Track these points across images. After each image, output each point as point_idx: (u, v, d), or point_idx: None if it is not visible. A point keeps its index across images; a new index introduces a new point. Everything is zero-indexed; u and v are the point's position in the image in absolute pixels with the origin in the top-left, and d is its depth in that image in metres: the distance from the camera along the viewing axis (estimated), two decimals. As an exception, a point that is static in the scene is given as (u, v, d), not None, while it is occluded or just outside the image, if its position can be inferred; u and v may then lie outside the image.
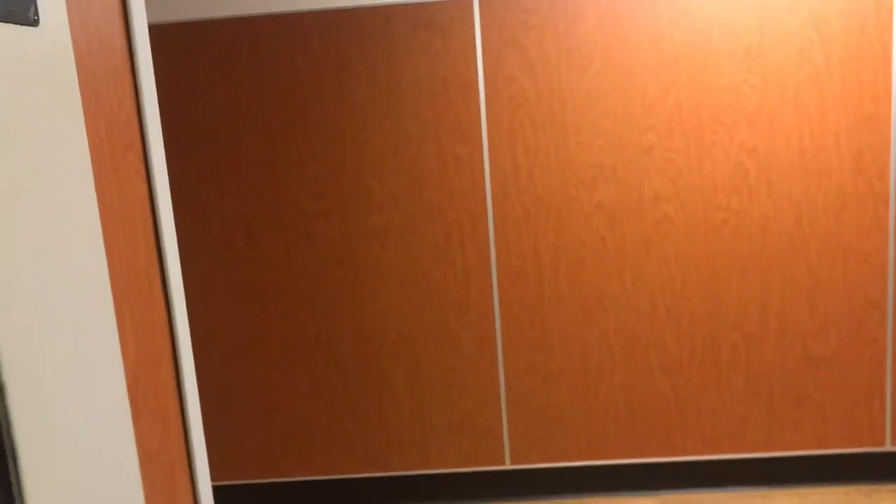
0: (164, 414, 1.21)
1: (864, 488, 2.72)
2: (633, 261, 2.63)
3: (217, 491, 2.77)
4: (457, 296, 2.68)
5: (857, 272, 2.61)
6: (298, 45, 2.56)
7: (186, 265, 2.71)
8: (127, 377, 1.09)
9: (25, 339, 0.81)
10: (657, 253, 2.62)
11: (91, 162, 1.02)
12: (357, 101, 2.58)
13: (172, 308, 1.26)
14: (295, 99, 2.59)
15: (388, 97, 2.58)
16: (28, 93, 0.86)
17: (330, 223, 2.65)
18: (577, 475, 2.77)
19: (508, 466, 2.78)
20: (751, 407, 2.71)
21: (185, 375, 1.27)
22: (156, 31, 2.55)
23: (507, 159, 2.60)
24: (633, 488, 2.78)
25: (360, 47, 2.55)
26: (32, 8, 0.86)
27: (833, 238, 2.59)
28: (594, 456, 2.77)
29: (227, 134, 2.62)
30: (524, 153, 2.59)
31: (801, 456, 2.74)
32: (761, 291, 2.63)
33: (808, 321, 2.65)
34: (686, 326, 2.66)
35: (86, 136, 0.99)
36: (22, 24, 0.84)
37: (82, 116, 0.99)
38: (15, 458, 0.78)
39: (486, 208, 2.63)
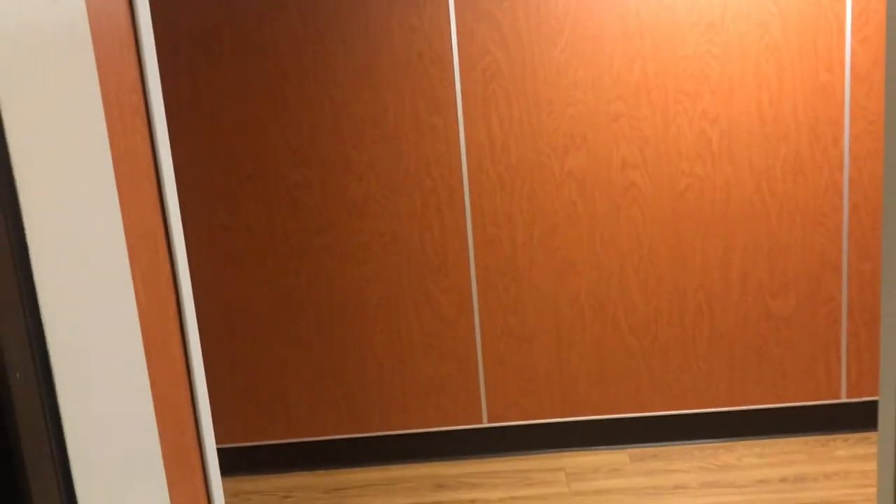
0: (172, 359, 1.31)
1: (821, 438, 2.88)
2: (602, 226, 2.75)
3: (205, 454, 2.86)
4: (435, 262, 2.78)
5: (814, 234, 2.76)
6: (277, 18, 2.63)
7: (171, 236, 2.77)
8: (141, 324, 1.18)
9: (59, 289, 0.90)
10: (626, 218, 2.75)
11: (105, 125, 1.10)
12: (335, 74, 2.66)
13: (176, 263, 1.35)
14: (274, 71, 2.66)
15: (365, 69, 2.66)
16: (51, 60, 0.94)
17: (311, 192, 2.73)
18: (551, 431, 2.91)
19: (486, 424, 2.91)
20: (714, 363, 2.86)
21: (188, 325, 1.37)
22: (137, 6, 2.60)
23: (482, 129, 2.69)
24: (605, 443, 2.92)
25: (337, 21, 2.63)
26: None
27: (791, 202, 2.73)
28: (567, 413, 2.90)
29: (209, 106, 2.68)
30: (498, 123, 2.69)
31: (761, 409, 2.89)
32: (724, 253, 2.77)
33: (768, 281, 2.79)
34: (653, 288, 2.80)
35: (101, 100, 1.07)
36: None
37: (98, 82, 1.07)
38: (54, 396, 0.88)
39: (461, 177, 2.73)
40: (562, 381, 2.87)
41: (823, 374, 2.87)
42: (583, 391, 2.88)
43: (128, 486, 1.06)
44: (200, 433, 1.39)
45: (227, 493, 2.79)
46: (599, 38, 2.63)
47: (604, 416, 2.90)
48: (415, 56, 2.65)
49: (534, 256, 2.78)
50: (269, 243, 2.77)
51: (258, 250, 2.77)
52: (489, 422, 2.91)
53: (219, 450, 2.90)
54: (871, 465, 2.68)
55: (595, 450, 2.91)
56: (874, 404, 2.85)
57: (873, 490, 2.55)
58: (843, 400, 2.89)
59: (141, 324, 1.17)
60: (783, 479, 2.64)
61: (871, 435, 2.85)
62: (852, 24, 2.60)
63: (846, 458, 2.74)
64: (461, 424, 2.91)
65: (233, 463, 2.90)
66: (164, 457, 1.23)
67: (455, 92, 2.67)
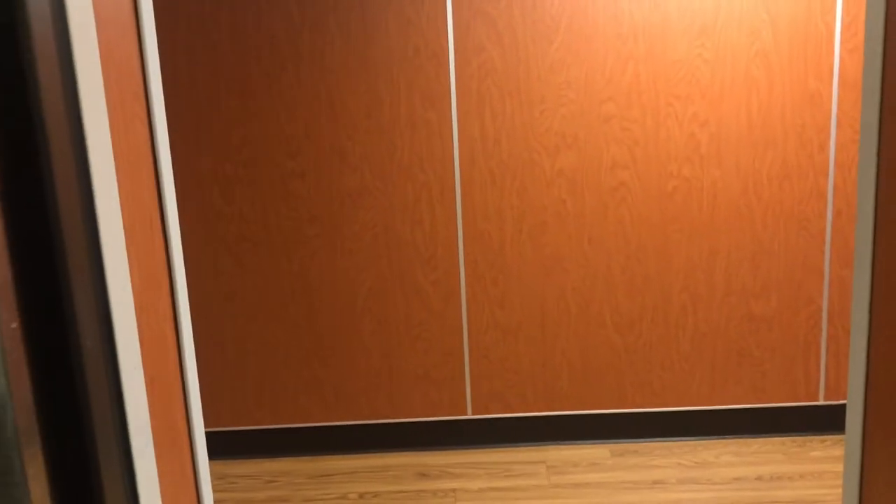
0: (164, 341, 1.34)
1: (798, 439, 2.94)
2: (591, 224, 2.79)
3: (191, 437, 2.89)
4: (425, 254, 2.82)
5: (798, 238, 2.80)
6: (275, 8, 2.65)
7: (164, 220, 2.80)
8: (135, 306, 1.22)
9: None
10: (614, 217, 2.79)
11: (106, 107, 1.14)
12: (332, 65, 2.69)
13: (170, 248, 1.38)
14: (271, 61, 2.69)
15: (362, 61, 2.69)
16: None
17: (305, 182, 2.77)
18: (533, 424, 2.95)
19: (470, 416, 2.95)
20: (696, 363, 2.91)
21: (181, 308, 1.40)
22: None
23: (475, 125, 2.73)
24: (587, 437, 2.96)
25: (335, 12, 2.65)
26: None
27: (776, 206, 2.78)
28: (550, 407, 2.94)
29: (207, 93, 2.71)
30: (491, 120, 2.73)
31: (741, 409, 2.95)
32: (709, 255, 2.82)
33: (752, 283, 2.84)
34: (639, 286, 2.84)
35: (103, 83, 1.11)
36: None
37: (100, 65, 1.10)
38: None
39: (454, 172, 2.76)
40: (546, 376, 2.92)
41: (802, 377, 2.92)
42: (566, 386, 2.93)
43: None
44: (189, 415, 1.43)
45: (214, 476, 2.83)
46: (593, 39, 2.66)
47: (586, 411, 2.95)
48: (411, 50, 2.68)
49: (522, 252, 2.82)
50: (263, 230, 2.80)
51: (251, 237, 2.81)
52: (473, 413, 2.95)
53: (206, 433, 2.94)
54: (846, 467, 2.73)
55: (577, 444, 2.96)
56: (851, 407, 2.89)
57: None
58: (821, 402, 2.94)
59: (135, 305, 1.20)
60: (759, 478, 2.69)
61: (847, 437, 2.91)
62: (841, 35, 2.65)
63: (821, 458, 2.80)
64: (446, 415, 2.95)
65: (219, 446, 2.94)
66: (154, 437, 1.27)
67: (450, 87, 2.71)
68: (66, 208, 0.96)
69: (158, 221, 1.35)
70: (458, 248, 2.81)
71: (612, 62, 2.68)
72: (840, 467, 2.73)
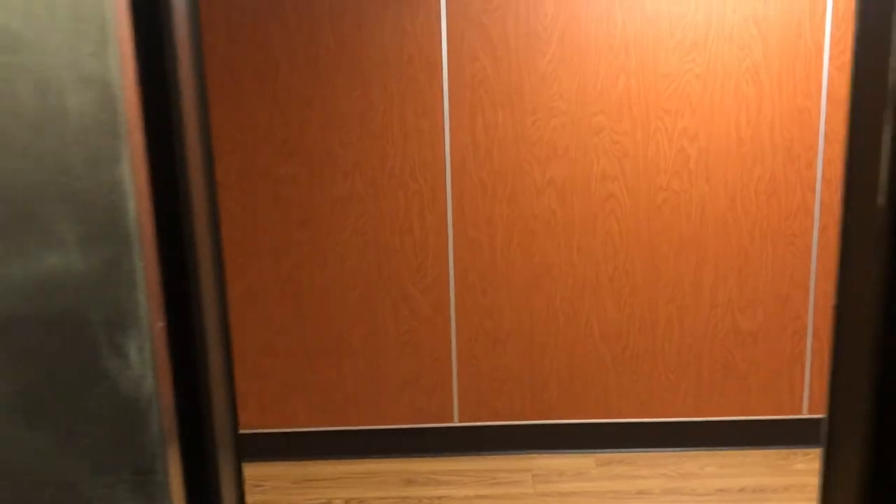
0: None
1: (782, 451, 2.96)
2: (580, 234, 2.81)
3: (178, 440, 2.89)
4: (415, 262, 2.83)
5: (785, 253, 2.83)
6: (271, 12, 2.67)
7: (155, 223, 2.80)
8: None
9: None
10: (603, 228, 2.81)
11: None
12: (326, 70, 2.70)
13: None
14: (266, 64, 2.70)
15: (355, 68, 2.70)
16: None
17: (297, 187, 2.77)
18: (520, 433, 2.96)
19: (457, 423, 2.96)
20: (682, 374, 2.93)
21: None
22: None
23: (467, 135, 2.75)
24: (572, 447, 2.98)
25: (331, 18, 2.67)
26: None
27: (763, 221, 2.81)
28: (537, 416, 2.96)
29: (200, 98, 2.71)
30: (483, 129, 2.75)
31: (725, 421, 2.97)
32: (696, 268, 2.84)
33: (738, 297, 2.87)
34: (626, 297, 2.86)
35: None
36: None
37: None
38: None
39: (445, 180, 2.78)
40: (533, 385, 2.93)
41: (787, 390, 2.95)
42: (553, 395, 2.94)
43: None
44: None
45: (198, 480, 2.82)
46: (585, 51, 2.69)
47: (573, 420, 2.96)
48: (405, 59, 2.70)
49: (512, 261, 2.83)
50: (252, 234, 2.81)
51: (240, 240, 2.81)
52: (460, 421, 2.96)
53: (192, 436, 2.93)
54: (828, 480, 2.75)
55: (563, 453, 2.97)
56: (834, 421, 2.92)
57: None
58: (805, 416, 2.97)
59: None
60: (742, 490, 2.71)
61: (830, 451, 2.93)
62: (830, 52, 2.68)
63: (804, 471, 2.82)
64: (433, 422, 2.96)
65: (205, 450, 2.93)
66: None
67: (443, 96, 2.72)
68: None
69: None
70: (447, 255, 2.83)
71: (603, 75, 2.71)
72: (822, 480, 2.76)
